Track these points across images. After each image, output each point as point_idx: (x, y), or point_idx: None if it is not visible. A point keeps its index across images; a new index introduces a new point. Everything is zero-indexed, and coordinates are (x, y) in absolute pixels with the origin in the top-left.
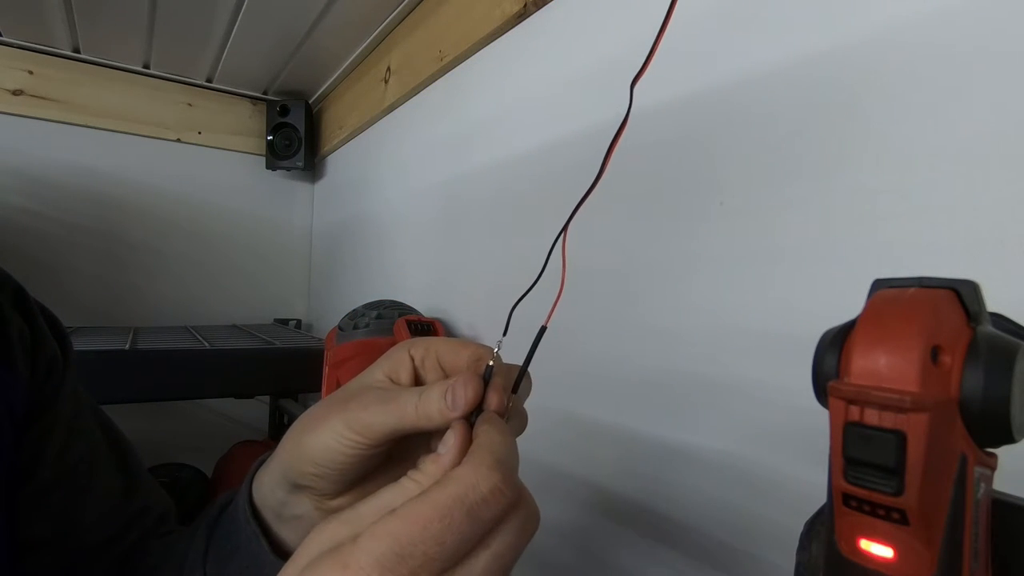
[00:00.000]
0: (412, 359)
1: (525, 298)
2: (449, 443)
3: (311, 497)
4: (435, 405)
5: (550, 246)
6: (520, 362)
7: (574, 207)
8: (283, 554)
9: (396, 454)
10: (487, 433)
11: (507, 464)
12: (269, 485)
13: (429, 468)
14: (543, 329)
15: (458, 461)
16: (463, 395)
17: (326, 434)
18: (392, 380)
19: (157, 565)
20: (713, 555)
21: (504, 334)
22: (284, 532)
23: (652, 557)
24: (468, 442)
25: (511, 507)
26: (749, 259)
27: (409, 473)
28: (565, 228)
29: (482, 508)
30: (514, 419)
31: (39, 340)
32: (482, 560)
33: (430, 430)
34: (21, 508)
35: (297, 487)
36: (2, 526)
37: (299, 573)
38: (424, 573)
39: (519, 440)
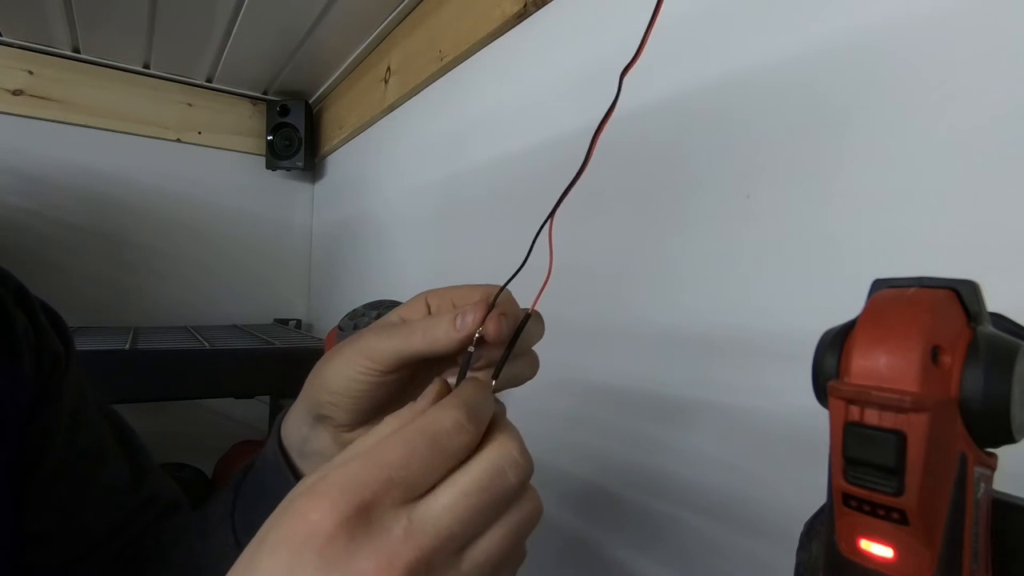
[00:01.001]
0: (428, 306)
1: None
2: (427, 393)
3: (330, 429)
4: (443, 328)
5: (535, 234)
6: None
7: (560, 195)
8: None
9: (410, 391)
10: (464, 384)
11: (472, 405)
12: (294, 423)
13: (404, 412)
14: (527, 316)
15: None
16: (472, 318)
17: (340, 363)
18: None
19: (177, 538)
20: (712, 555)
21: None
22: (307, 469)
23: (650, 556)
24: (445, 391)
25: (473, 443)
26: (749, 259)
27: (385, 419)
28: (552, 215)
29: (444, 439)
30: (520, 360)
31: (42, 336)
32: (446, 495)
33: (436, 354)
34: (25, 502)
35: (318, 419)
36: (9, 519)
37: (278, 511)
38: (387, 498)
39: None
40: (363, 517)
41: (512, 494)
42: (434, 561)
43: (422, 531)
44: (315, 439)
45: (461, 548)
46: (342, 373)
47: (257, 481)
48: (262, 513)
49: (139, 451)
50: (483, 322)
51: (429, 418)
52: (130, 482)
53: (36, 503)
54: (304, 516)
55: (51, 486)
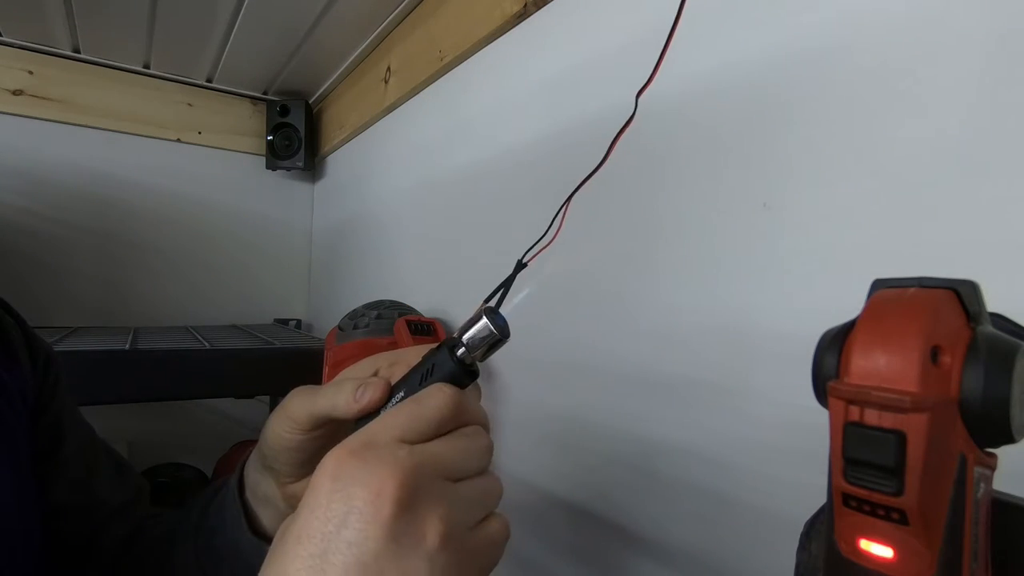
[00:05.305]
0: (376, 372)
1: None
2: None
3: (275, 478)
4: (343, 397)
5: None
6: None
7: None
8: (257, 531)
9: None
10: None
11: (455, 397)
12: (251, 467)
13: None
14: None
15: None
16: (369, 395)
17: (274, 422)
18: None
19: (161, 536)
20: (710, 555)
21: (500, 293)
22: (259, 510)
23: (647, 557)
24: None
25: (453, 421)
26: (749, 259)
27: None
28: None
29: (427, 410)
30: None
31: (31, 340)
32: (437, 441)
33: (340, 418)
34: (47, 479)
35: (265, 468)
36: (35, 498)
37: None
38: (386, 435)
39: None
40: (369, 445)
41: (484, 454)
42: (428, 474)
43: (419, 451)
44: (264, 485)
45: (450, 477)
46: (274, 431)
47: (219, 510)
48: (220, 543)
49: (111, 448)
50: (380, 402)
51: (422, 395)
52: (116, 468)
53: (59, 479)
54: (324, 471)
55: (69, 465)
